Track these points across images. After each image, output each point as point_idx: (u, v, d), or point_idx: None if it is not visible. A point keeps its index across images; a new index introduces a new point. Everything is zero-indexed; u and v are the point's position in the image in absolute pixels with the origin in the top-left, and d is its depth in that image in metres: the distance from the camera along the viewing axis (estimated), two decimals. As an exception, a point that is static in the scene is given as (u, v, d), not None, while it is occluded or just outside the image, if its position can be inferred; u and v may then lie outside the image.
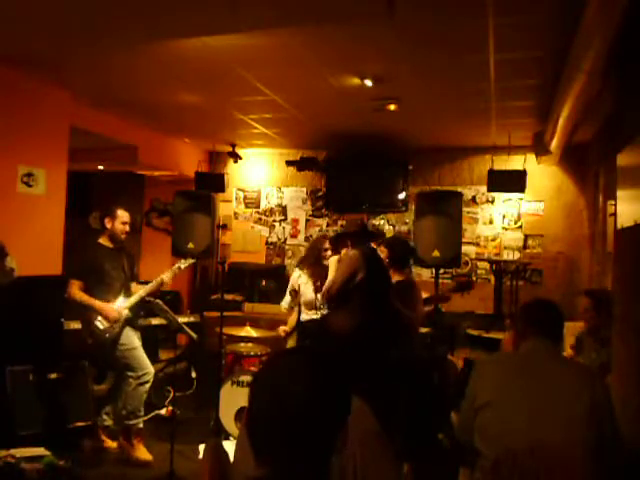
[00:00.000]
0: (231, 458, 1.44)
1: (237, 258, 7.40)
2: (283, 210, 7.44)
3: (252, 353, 4.48)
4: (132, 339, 3.97)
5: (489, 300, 6.13)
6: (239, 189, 7.63)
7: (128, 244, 4.32)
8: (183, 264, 4.28)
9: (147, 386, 3.96)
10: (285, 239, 7.42)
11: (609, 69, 3.06)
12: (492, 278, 6.25)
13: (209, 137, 6.83)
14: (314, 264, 4.40)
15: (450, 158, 6.72)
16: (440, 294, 5.00)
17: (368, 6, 2.90)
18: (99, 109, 5.41)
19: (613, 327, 2.97)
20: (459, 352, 4.92)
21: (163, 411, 4.62)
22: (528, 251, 6.45)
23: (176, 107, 5.29)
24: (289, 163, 6.96)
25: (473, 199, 6.63)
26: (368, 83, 4.21)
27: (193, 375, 4.81)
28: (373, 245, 3.86)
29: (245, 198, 7.62)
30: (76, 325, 4.22)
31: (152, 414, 4.49)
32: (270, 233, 7.49)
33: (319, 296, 4.24)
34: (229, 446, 1.51)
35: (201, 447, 3.09)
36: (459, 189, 6.02)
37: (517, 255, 6.48)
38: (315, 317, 4.26)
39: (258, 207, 7.56)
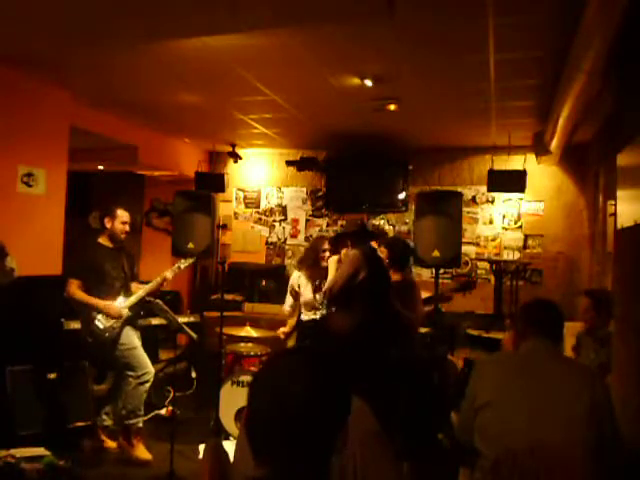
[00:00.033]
0: (231, 458, 1.44)
1: (237, 258, 7.40)
2: (283, 210, 7.44)
3: (252, 353, 4.47)
4: (132, 339, 3.97)
5: (489, 300, 6.14)
6: (239, 189, 7.63)
7: (128, 244, 4.32)
8: (183, 264, 4.28)
9: (147, 386, 3.95)
10: (285, 239, 7.42)
11: (609, 69, 3.06)
12: (492, 278, 6.25)
13: (209, 137, 6.83)
14: (313, 265, 4.39)
15: (450, 158, 6.72)
16: (441, 294, 5.00)
17: (368, 6, 2.90)
18: (99, 109, 5.41)
19: (613, 327, 2.97)
20: (459, 352, 4.92)
21: (163, 411, 4.62)
22: (528, 251, 6.45)
23: (176, 107, 5.29)
24: (289, 163, 6.96)
25: (473, 199, 6.63)
26: (368, 83, 4.21)
27: (193, 375, 4.81)
28: (373, 245, 3.87)
29: (245, 198, 7.62)
30: (76, 325, 4.21)
31: (152, 414, 4.50)
32: (270, 233, 7.49)
33: (318, 296, 4.24)
34: (229, 446, 1.51)
35: (201, 447, 3.09)
36: (459, 189, 6.01)
37: (517, 255, 6.48)
38: (314, 317, 4.26)
39: (258, 207, 7.56)
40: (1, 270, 3.62)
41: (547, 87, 4.16)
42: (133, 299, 3.99)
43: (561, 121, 4.28)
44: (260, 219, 7.54)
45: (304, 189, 7.34)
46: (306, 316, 4.38)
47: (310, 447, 1.05)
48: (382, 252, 3.89)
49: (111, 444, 4.06)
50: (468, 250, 6.46)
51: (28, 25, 3.42)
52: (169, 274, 4.11)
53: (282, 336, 4.50)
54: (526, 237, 6.48)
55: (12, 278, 3.71)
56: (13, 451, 3.21)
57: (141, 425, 4.01)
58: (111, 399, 4.06)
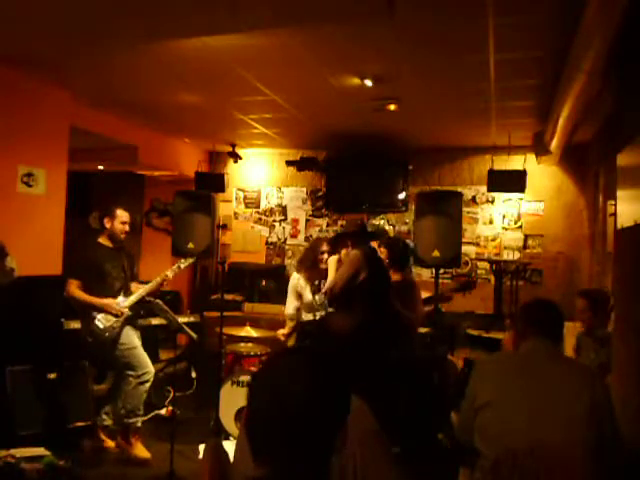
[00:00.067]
0: (231, 458, 1.44)
1: (237, 258, 7.40)
2: (283, 210, 7.44)
3: (252, 353, 4.47)
4: (132, 338, 3.97)
5: (489, 300, 6.13)
6: (239, 189, 7.63)
7: (128, 244, 4.32)
8: (183, 263, 4.28)
9: (147, 385, 3.95)
10: (285, 239, 7.42)
11: (609, 69, 3.06)
12: (492, 278, 6.25)
13: (209, 137, 6.83)
14: (311, 267, 4.39)
15: (450, 158, 6.72)
16: (441, 294, 5.00)
17: (368, 6, 2.90)
18: (99, 109, 5.41)
19: (613, 327, 2.97)
20: (459, 352, 4.91)
21: (163, 411, 4.62)
22: (528, 251, 6.45)
23: (176, 107, 5.29)
24: (289, 163, 6.96)
25: (473, 199, 6.63)
26: (368, 83, 4.20)
27: (193, 375, 4.81)
28: (374, 244, 3.87)
29: (245, 198, 7.62)
30: (76, 325, 4.21)
31: (152, 414, 4.49)
32: (270, 233, 7.49)
33: (317, 297, 4.25)
34: (229, 446, 1.51)
35: (201, 447, 3.10)
36: (459, 189, 6.01)
37: (517, 255, 6.48)
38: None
39: (258, 207, 7.56)
40: (1, 270, 3.62)
41: (547, 87, 4.16)
42: (133, 298, 3.99)
43: (561, 121, 4.28)
44: (260, 219, 7.54)
45: (304, 189, 7.34)
46: (306, 317, 4.38)
47: (310, 447, 1.05)
48: (382, 252, 3.90)
49: (111, 444, 4.06)
50: (468, 250, 6.46)
51: (28, 25, 3.42)
52: (169, 273, 4.11)
53: (282, 338, 4.50)
54: (526, 237, 6.48)
55: (12, 278, 3.71)
56: (13, 451, 3.21)
57: (140, 425, 4.01)
58: (111, 399, 4.06)
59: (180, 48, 3.67)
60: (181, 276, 6.66)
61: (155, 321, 4.86)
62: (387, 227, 6.91)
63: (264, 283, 6.82)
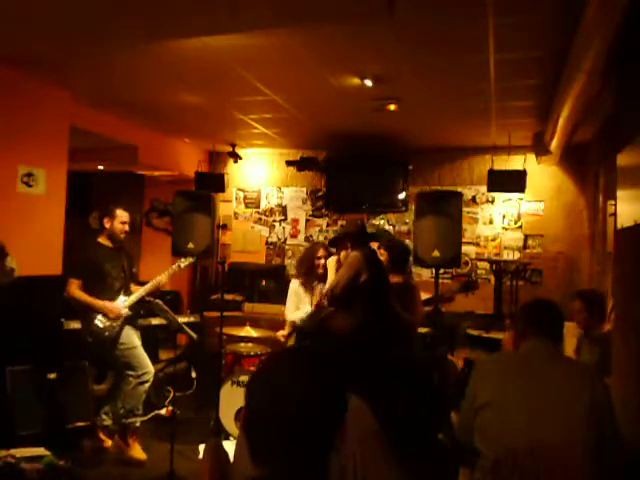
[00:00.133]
0: (231, 458, 1.44)
1: (237, 258, 7.40)
2: (283, 210, 7.44)
3: (252, 353, 4.47)
4: (132, 338, 3.97)
5: (489, 300, 6.13)
6: (239, 189, 7.63)
7: (128, 244, 4.32)
8: (183, 263, 4.29)
9: (147, 385, 3.95)
10: (285, 239, 7.42)
11: (609, 69, 3.06)
12: (492, 278, 6.24)
13: (209, 137, 6.83)
14: (308, 273, 4.38)
15: (450, 158, 6.72)
16: (441, 294, 5.00)
17: (368, 6, 2.90)
18: (99, 109, 5.41)
19: (613, 327, 2.97)
20: (459, 352, 4.91)
21: (163, 411, 4.62)
22: (528, 251, 6.45)
23: (176, 107, 5.29)
24: (289, 163, 6.96)
25: (473, 199, 6.63)
26: (368, 83, 4.20)
27: (193, 375, 4.80)
28: (373, 245, 3.87)
29: (245, 198, 7.62)
30: (76, 325, 4.21)
31: (152, 414, 4.49)
32: (270, 233, 7.49)
33: (315, 299, 4.25)
34: (229, 446, 1.50)
35: (201, 447, 3.09)
36: (459, 189, 6.01)
37: (517, 255, 6.48)
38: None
39: (258, 207, 7.56)
40: (1, 270, 3.62)
41: (547, 87, 4.15)
42: (133, 298, 3.99)
43: (561, 121, 4.27)
44: (260, 219, 7.54)
45: (304, 189, 7.34)
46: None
47: (309, 446, 1.05)
48: (382, 254, 3.90)
49: (110, 444, 4.06)
50: (468, 250, 6.46)
51: (28, 25, 3.42)
52: (169, 273, 4.12)
53: (282, 339, 4.50)
54: (526, 237, 6.48)
55: (12, 278, 3.71)
56: (13, 451, 3.21)
57: (138, 425, 4.01)
58: (110, 398, 4.06)
59: (180, 48, 3.67)
60: (181, 276, 6.67)
61: (155, 321, 4.86)
62: (387, 227, 6.90)
63: (264, 283, 6.82)
